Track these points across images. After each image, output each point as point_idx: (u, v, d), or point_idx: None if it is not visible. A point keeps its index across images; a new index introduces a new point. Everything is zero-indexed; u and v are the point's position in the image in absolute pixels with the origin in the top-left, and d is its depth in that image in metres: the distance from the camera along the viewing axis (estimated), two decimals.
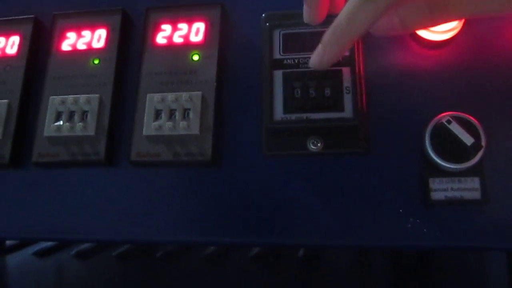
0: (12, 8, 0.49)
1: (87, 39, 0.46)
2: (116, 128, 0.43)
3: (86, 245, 0.58)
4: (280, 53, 0.41)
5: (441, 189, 0.37)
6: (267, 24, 0.42)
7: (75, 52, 0.45)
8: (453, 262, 0.54)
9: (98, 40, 0.45)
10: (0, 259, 0.57)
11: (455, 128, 0.35)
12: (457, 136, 0.35)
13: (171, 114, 0.41)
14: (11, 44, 0.46)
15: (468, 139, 0.35)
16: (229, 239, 0.40)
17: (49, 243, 0.58)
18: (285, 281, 0.54)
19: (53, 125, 0.43)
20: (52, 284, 0.56)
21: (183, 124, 0.40)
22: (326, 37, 0.32)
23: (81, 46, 0.46)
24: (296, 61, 0.41)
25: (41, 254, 0.58)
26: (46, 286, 0.55)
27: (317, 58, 0.33)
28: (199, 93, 0.41)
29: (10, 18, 0.47)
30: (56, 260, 0.58)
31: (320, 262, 0.56)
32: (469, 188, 0.37)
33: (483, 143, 0.36)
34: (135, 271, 0.55)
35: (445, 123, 0.36)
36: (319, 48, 0.33)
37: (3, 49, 0.46)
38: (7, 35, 0.47)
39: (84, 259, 0.56)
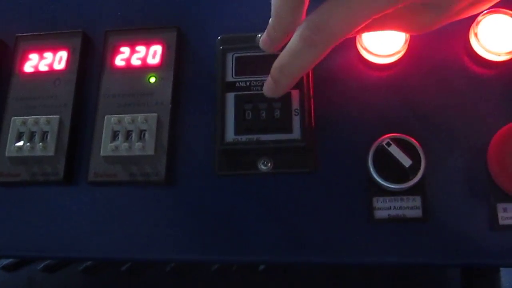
0: None
1: (49, 60, 0.47)
2: (75, 149, 0.44)
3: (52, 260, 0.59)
4: (232, 76, 0.43)
5: (384, 208, 0.39)
6: (221, 47, 0.44)
7: (37, 73, 0.47)
8: (428, 278, 0.55)
9: (59, 62, 0.47)
10: None
11: (394, 150, 0.37)
12: (396, 158, 0.37)
13: (128, 135, 0.42)
14: None
15: (406, 161, 0.37)
16: (181, 256, 0.41)
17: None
18: None
19: (14, 146, 0.44)
20: None
21: (138, 145, 0.42)
22: (274, 73, 0.33)
23: (43, 67, 0.47)
24: (248, 83, 0.42)
25: (10, 268, 0.59)
26: None
27: (269, 90, 0.35)
28: (155, 115, 0.43)
29: None
30: (27, 272, 0.59)
31: (287, 275, 0.58)
32: (411, 207, 0.39)
33: (422, 164, 0.37)
34: (101, 284, 0.56)
35: (385, 146, 0.37)
36: (270, 81, 0.34)
37: None
38: None
39: (52, 273, 0.57)
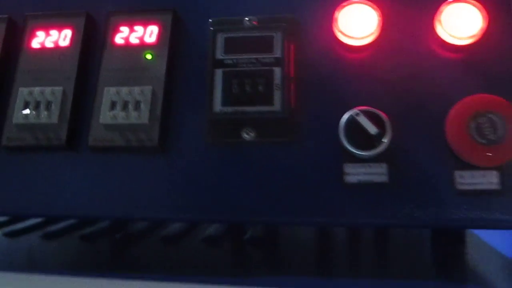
0: None
1: (54, 38, 0.51)
2: (77, 117, 0.48)
3: (52, 227, 0.63)
4: (222, 54, 0.47)
5: (354, 173, 0.43)
6: (212, 28, 0.48)
7: (43, 49, 0.51)
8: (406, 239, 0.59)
9: (64, 39, 0.51)
10: None
11: (362, 120, 0.41)
12: (364, 127, 0.41)
13: (125, 106, 0.47)
14: None
15: (372, 129, 0.41)
16: (172, 215, 0.46)
17: (19, 225, 0.64)
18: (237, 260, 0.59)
19: (21, 113, 0.48)
20: (24, 263, 0.61)
21: (134, 114, 0.46)
22: None
23: (49, 44, 0.51)
24: (235, 61, 0.47)
25: (12, 234, 0.63)
26: (18, 265, 0.60)
27: None
28: (150, 87, 0.47)
29: None
30: (27, 240, 0.63)
31: (272, 243, 0.62)
32: (378, 173, 0.43)
33: (388, 133, 0.42)
34: (97, 250, 0.61)
35: (354, 116, 0.42)
36: None
37: None
38: None
39: (51, 240, 0.62)
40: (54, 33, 0.51)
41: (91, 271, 0.54)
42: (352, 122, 0.42)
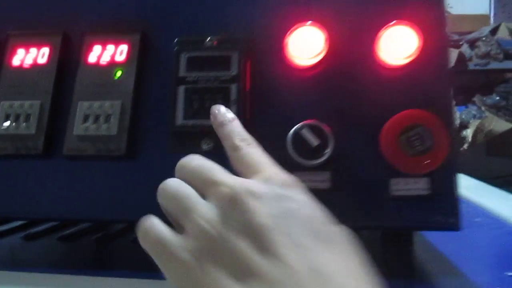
0: None
1: (34, 55, 0.56)
2: (52, 128, 0.53)
3: (34, 229, 0.68)
4: (184, 72, 0.52)
5: (302, 180, 0.48)
6: (176, 48, 0.53)
7: (23, 66, 0.56)
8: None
9: (42, 57, 0.56)
10: None
11: (305, 133, 0.47)
12: (306, 139, 0.46)
13: (97, 118, 0.52)
14: None
15: (314, 142, 0.46)
16: (138, 217, 0.51)
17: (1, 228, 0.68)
18: None
19: (2, 125, 0.53)
20: (7, 262, 0.65)
21: (105, 126, 0.51)
22: None
23: (28, 61, 0.56)
24: (196, 78, 0.52)
25: None
26: (1, 263, 0.64)
27: None
28: (119, 102, 0.52)
29: None
30: (9, 241, 0.68)
31: None
32: (322, 180, 0.48)
33: (330, 144, 0.47)
34: (75, 250, 0.65)
35: (299, 130, 0.47)
36: None
37: None
38: None
39: (31, 240, 0.66)
40: (33, 50, 0.56)
41: (72, 269, 0.58)
42: (297, 135, 0.47)
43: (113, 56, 0.54)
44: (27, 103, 0.53)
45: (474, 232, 0.67)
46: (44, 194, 0.52)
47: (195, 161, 0.35)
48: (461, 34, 3.48)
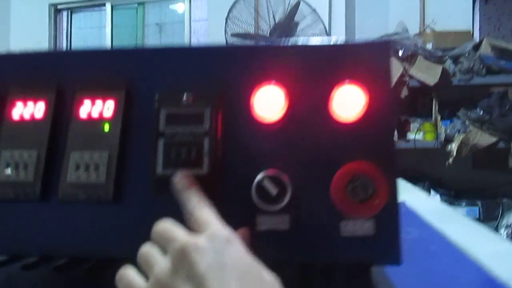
0: None
1: (31, 109, 0.64)
2: (48, 176, 0.61)
3: (30, 259, 0.75)
4: (163, 126, 0.60)
5: (264, 223, 0.56)
6: (157, 103, 0.61)
7: (22, 119, 0.63)
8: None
9: (39, 110, 0.63)
10: None
11: (266, 183, 0.54)
12: (266, 189, 0.54)
13: (87, 167, 0.59)
14: None
15: (273, 191, 0.54)
16: (124, 254, 0.58)
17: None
18: None
19: (3, 173, 0.60)
20: None
21: (94, 174, 0.59)
22: None
23: (26, 114, 0.64)
24: (174, 132, 0.59)
25: None
26: None
27: None
28: (107, 152, 0.60)
29: None
30: (7, 269, 0.75)
31: None
32: (281, 222, 0.56)
33: (288, 192, 0.55)
34: (68, 279, 0.72)
35: (261, 180, 0.55)
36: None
37: None
38: None
39: (28, 270, 0.73)
40: (30, 105, 0.64)
41: None
42: (260, 185, 0.55)
43: (101, 111, 0.62)
44: (25, 153, 0.61)
45: (427, 259, 0.75)
46: (41, 234, 0.60)
47: (161, 225, 0.45)
48: (444, 50, 3.58)
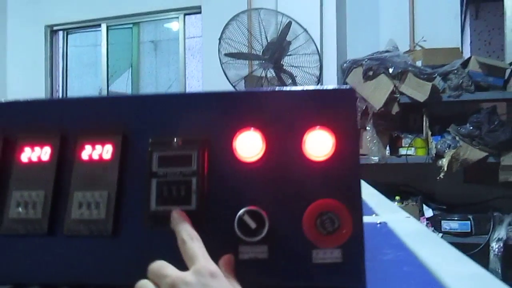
0: None
1: (37, 153, 0.72)
2: (55, 213, 0.69)
3: None
4: (156, 167, 0.68)
5: (245, 252, 0.64)
6: (150, 148, 0.69)
7: (30, 163, 0.71)
8: None
9: (45, 154, 0.71)
10: None
11: (246, 218, 0.62)
12: (247, 223, 0.62)
13: (88, 205, 0.67)
14: None
15: (252, 225, 0.62)
16: (123, 282, 0.66)
17: None
18: None
19: (15, 210, 0.68)
20: None
21: (95, 211, 0.66)
22: None
23: (34, 158, 0.72)
24: (165, 173, 0.67)
25: None
26: None
27: None
28: (106, 192, 0.68)
29: None
30: None
31: None
32: (261, 252, 0.64)
33: (266, 225, 0.62)
34: None
35: (241, 215, 0.63)
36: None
37: None
38: None
39: None
40: (37, 149, 0.72)
41: None
42: (241, 219, 0.63)
43: (100, 154, 0.70)
44: (34, 193, 0.69)
45: (398, 280, 0.82)
46: (47, 264, 0.67)
47: (155, 264, 0.53)
48: (434, 67, 3.67)
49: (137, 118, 0.72)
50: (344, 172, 0.65)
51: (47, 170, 0.70)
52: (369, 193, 1.85)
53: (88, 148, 0.70)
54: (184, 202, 0.65)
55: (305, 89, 0.70)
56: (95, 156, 0.70)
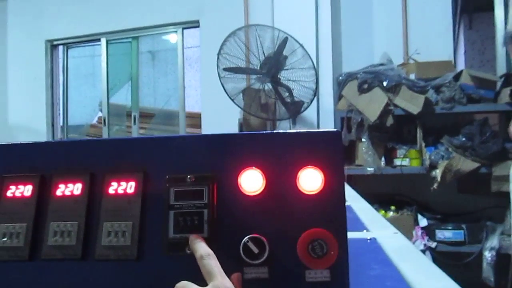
0: None
1: (71, 188, 0.84)
2: (87, 240, 0.81)
3: None
4: (173, 201, 0.80)
5: (249, 272, 0.76)
6: (167, 184, 0.82)
7: (64, 197, 0.84)
8: None
9: (77, 189, 0.84)
10: None
11: (250, 244, 0.75)
12: (250, 248, 0.74)
13: (116, 234, 0.80)
14: None
15: (255, 250, 0.74)
16: None
17: None
18: None
19: (53, 238, 0.81)
20: None
21: (121, 239, 0.79)
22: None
23: (67, 192, 0.84)
24: (181, 206, 0.80)
25: None
26: None
27: None
28: (131, 222, 0.80)
29: None
30: None
31: None
32: (262, 272, 0.76)
33: (266, 250, 0.75)
34: None
35: (246, 241, 0.75)
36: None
37: None
38: None
39: None
40: (70, 185, 0.84)
41: None
42: (245, 245, 0.75)
43: (125, 189, 0.82)
44: (68, 224, 0.81)
45: None
46: (82, 285, 0.79)
47: (181, 283, 0.64)
48: (427, 80, 3.80)
49: (156, 158, 0.84)
50: (332, 203, 0.78)
51: (79, 203, 0.83)
52: (362, 208, 1.97)
53: (114, 184, 0.83)
54: (198, 230, 0.77)
55: (298, 131, 0.82)
56: (120, 191, 0.82)
